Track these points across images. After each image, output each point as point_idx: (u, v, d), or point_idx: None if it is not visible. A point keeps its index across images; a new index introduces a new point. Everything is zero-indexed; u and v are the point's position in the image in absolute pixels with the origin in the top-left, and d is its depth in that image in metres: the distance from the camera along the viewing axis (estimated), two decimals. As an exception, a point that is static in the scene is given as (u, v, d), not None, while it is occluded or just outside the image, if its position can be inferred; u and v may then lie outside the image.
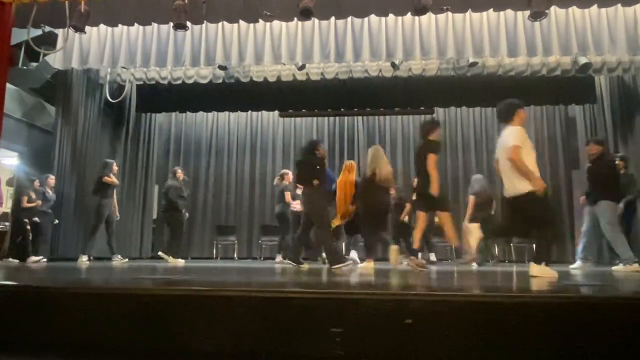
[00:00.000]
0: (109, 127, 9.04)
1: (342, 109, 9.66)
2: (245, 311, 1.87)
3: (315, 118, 10.46)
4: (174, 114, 10.54)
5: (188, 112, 10.29)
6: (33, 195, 7.01)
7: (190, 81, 8.48)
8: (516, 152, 3.48)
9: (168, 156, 10.61)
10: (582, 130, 8.87)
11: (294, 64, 7.74)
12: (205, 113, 10.46)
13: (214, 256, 9.64)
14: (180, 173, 7.29)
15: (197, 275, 3.48)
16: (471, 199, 7.04)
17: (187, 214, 7.54)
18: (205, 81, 8.49)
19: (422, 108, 9.58)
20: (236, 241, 9.73)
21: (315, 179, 5.06)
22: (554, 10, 6.42)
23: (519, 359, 1.71)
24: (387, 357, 1.76)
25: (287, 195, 7.47)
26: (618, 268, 5.15)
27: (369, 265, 5.33)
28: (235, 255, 9.61)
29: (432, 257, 7.34)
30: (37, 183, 7.19)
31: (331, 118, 10.46)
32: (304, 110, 9.77)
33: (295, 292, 1.92)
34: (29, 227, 6.88)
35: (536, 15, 6.13)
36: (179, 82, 8.52)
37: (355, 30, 6.92)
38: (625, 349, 1.70)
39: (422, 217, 4.96)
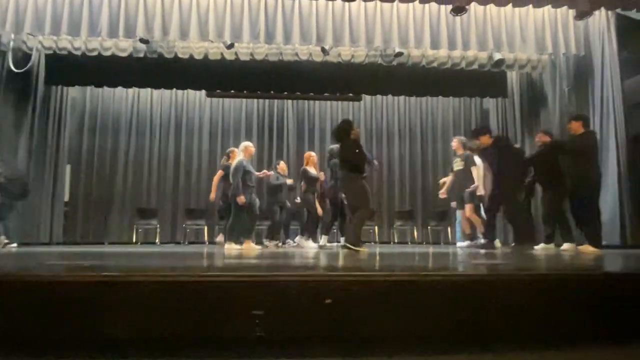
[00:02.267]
0: (13, 100, 8.15)
1: (272, 92, 9.54)
2: (162, 296, 1.81)
3: (244, 99, 10.25)
4: (89, 88, 9.75)
5: (105, 87, 9.59)
6: None
7: (108, 53, 7.89)
8: None
9: (82, 134, 9.86)
10: (495, 122, 9.57)
11: (222, 42, 7.48)
12: (124, 89, 9.81)
13: (134, 241, 9.17)
14: None
15: (112, 261, 3.30)
16: None
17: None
18: (124, 54, 7.94)
19: (351, 95, 9.77)
20: (158, 225, 9.33)
21: (355, 162, 4.74)
22: (473, 7, 6.81)
23: (435, 334, 1.82)
24: (307, 336, 1.80)
25: (217, 176, 6.98)
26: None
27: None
28: (157, 240, 9.22)
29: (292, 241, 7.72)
30: None
31: (260, 100, 10.31)
32: (232, 91, 9.51)
33: (214, 276, 1.89)
34: None
35: (457, 10, 6.49)
36: (95, 53, 7.89)
37: (285, 11, 6.85)
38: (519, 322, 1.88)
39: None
